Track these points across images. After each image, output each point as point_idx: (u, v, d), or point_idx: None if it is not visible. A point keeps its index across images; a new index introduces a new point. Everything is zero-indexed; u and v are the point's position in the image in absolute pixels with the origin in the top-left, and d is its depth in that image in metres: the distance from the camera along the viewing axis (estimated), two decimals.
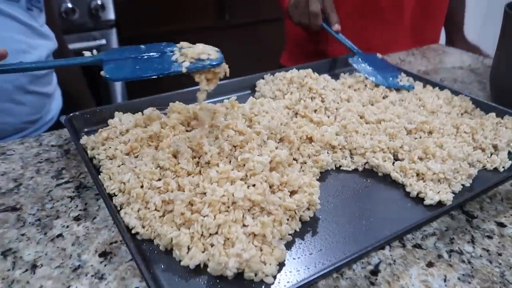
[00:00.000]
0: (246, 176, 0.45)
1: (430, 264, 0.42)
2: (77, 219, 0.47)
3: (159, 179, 0.46)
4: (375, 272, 0.41)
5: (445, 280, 0.40)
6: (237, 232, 0.39)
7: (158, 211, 0.43)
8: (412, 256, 0.43)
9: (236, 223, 0.41)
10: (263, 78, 0.75)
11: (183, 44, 0.45)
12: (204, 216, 0.41)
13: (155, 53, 0.45)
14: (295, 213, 0.44)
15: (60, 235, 0.44)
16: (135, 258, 0.37)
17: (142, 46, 0.48)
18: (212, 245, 0.39)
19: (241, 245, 0.38)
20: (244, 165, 0.45)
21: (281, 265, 0.40)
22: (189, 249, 0.39)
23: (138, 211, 0.43)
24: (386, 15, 0.95)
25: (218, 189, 0.42)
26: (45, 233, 0.44)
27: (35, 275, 0.39)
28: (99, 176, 0.48)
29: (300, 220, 0.45)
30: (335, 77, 0.76)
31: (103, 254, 0.42)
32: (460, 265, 0.42)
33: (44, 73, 0.78)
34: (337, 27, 0.84)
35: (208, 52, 0.44)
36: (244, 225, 0.41)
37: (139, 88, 1.60)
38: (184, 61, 0.43)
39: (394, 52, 1.00)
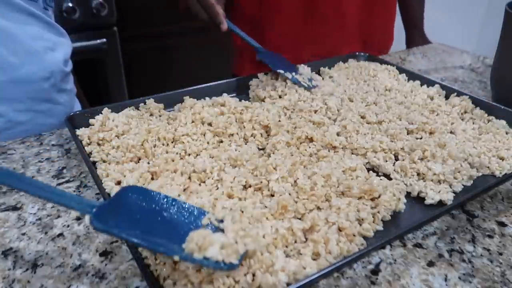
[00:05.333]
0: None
1: (430, 264, 0.42)
2: (77, 218, 0.47)
3: None
4: (375, 271, 0.41)
5: (445, 280, 0.40)
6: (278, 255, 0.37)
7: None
8: (413, 255, 0.43)
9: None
10: (257, 78, 0.74)
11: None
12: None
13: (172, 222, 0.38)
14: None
15: (60, 235, 0.44)
16: (136, 257, 0.37)
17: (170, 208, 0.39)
18: None
19: (282, 261, 0.36)
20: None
21: None
22: None
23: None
24: (328, 21, 0.94)
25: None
26: (46, 233, 0.45)
27: (36, 274, 0.40)
28: (97, 172, 0.49)
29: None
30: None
31: (104, 254, 0.42)
32: (461, 265, 0.42)
33: (70, 70, 0.78)
34: (222, 28, 0.74)
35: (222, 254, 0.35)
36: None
37: (140, 86, 1.60)
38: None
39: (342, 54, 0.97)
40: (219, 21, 0.73)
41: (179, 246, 0.34)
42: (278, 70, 0.71)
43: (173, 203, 0.39)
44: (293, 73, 0.72)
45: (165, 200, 0.39)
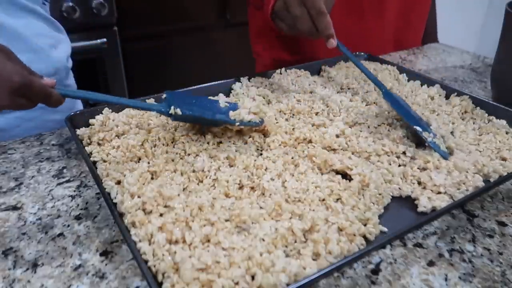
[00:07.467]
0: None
1: (431, 263, 0.42)
2: (78, 218, 0.47)
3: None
4: (376, 271, 0.41)
5: (446, 279, 0.40)
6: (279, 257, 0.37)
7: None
8: (413, 255, 0.43)
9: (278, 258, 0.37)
10: (239, 81, 0.72)
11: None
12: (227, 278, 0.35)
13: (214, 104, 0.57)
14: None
15: (61, 234, 0.44)
16: (136, 257, 0.37)
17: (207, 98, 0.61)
18: None
19: (282, 261, 0.36)
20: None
21: None
22: None
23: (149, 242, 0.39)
24: (367, 17, 0.93)
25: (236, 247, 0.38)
26: (46, 232, 0.45)
27: (36, 274, 0.40)
28: (97, 172, 0.49)
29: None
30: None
31: (104, 253, 0.42)
32: (461, 264, 0.42)
33: (70, 66, 0.79)
34: (331, 42, 0.61)
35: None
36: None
37: (140, 86, 1.60)
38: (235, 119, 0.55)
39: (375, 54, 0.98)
40: (329, 34, 0.59)
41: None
42: (412, 125, 0.56)
43: (205, 100, 0.59)
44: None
45: (199, 99, 0.57)
